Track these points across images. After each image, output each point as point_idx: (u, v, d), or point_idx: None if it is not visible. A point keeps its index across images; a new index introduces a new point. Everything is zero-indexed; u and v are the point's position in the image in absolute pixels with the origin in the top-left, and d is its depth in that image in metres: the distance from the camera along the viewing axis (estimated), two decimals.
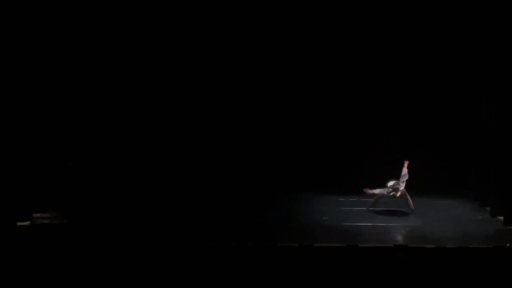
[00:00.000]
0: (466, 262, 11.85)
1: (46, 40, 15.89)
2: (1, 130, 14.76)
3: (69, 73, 17.22)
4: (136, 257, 11.98)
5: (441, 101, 17.99)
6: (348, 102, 18.50)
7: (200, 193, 17.47)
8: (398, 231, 14.58)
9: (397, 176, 16.00)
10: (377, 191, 15.98)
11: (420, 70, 17.90)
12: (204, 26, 17.78)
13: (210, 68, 18.19)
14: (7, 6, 14.66)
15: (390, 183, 15.95)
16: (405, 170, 16.00)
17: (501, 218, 15.24)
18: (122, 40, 17.61)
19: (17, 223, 14.53)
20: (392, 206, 16.22)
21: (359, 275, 11.01)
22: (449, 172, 17.97)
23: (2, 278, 10.51)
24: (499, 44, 15.44)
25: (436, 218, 15.61)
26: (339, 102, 18.48)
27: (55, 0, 15.99)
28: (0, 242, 13.04)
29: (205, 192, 17.51)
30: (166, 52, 18.00)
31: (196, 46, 18.01)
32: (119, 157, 18.15)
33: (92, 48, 17.44)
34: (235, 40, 18.00)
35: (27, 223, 14.76)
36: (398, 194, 15.84)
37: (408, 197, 15.90)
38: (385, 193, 15.88)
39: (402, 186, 15.89)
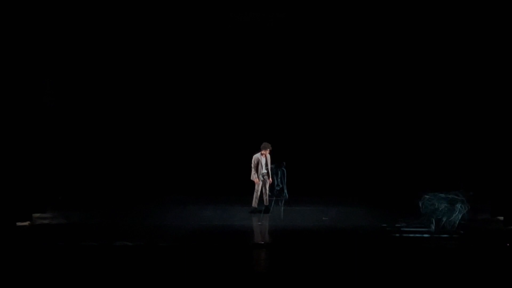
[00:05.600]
0: (466, 262, 11.87)
1: (47, 43, 15.94)
2: (1, 131, 14.76)
3: (66, 74, 17.30)
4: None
5: (441, 100, 18.01)
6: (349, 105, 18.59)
7: None
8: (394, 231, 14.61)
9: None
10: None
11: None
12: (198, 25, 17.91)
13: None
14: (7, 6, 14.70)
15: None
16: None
17: (501, 218, 15.25)
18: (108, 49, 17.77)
19: (17, 223, 14.54)
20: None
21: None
22: (450, 172, 17.97)
23: (2, 278, 10.51)
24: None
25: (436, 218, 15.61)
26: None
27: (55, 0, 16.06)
28: (0, 242, 13.04)
29: None
30: (154, 55, 18.14)
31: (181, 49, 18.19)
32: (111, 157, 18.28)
33: (88, 53, 17.59)
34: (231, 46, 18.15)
35: (27, 223, 14.76)
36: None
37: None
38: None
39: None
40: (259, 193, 15.89)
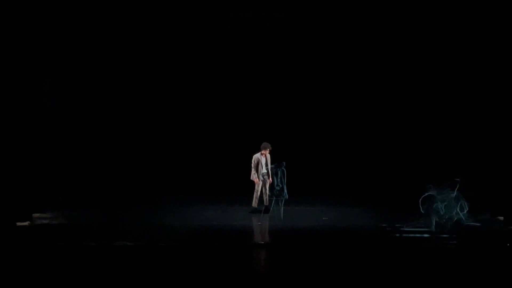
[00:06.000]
0: (466, 262, 11.86)
1: (47, 43, 15.95)
2: (1, 131, 14.76)
3: (66, 74, 17.32)
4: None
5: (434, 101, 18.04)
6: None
7: None
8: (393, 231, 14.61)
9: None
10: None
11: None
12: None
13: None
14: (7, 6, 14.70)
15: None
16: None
17: (501, 218, 15.25)
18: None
19: (17, 223, 14.52)
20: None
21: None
22: (450, 172, 17.97)
23: (2, 278, 10.50)
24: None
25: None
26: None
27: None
28: (0, 242, 13.03)
29: None
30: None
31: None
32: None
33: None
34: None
35: (27, 223, 14.75)
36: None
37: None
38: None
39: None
40: (259, 193, 15.91)
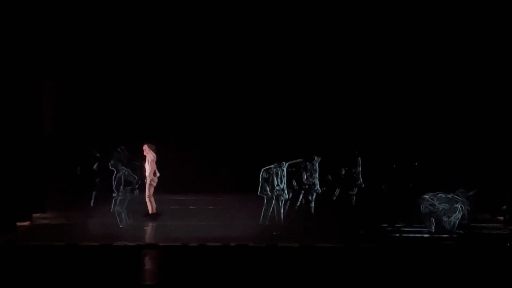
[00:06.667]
0: (466, 262, 11.87)
1: (47, 43, 15.95)
2: (2, 132, 14.77)
3: (67, 73, 17.32)
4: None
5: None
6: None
7: None
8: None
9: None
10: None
11: None
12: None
13: None
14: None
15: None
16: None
17: (501, 218, 15.26)
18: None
19: (17, 223, 14.53)
20: None
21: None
22: (450, 172, 17.98)
23: (3, 279, 10.52)
24: None
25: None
26: None
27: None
28: (0, 242, 13.04)
29: None
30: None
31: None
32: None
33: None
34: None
35: (27, 223, 14.76)
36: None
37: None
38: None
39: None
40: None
